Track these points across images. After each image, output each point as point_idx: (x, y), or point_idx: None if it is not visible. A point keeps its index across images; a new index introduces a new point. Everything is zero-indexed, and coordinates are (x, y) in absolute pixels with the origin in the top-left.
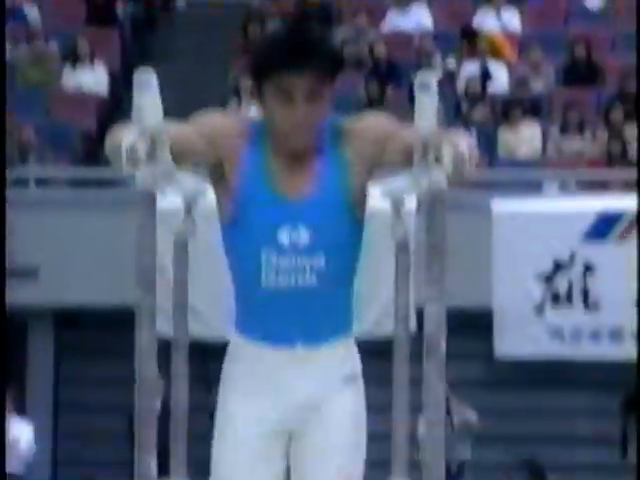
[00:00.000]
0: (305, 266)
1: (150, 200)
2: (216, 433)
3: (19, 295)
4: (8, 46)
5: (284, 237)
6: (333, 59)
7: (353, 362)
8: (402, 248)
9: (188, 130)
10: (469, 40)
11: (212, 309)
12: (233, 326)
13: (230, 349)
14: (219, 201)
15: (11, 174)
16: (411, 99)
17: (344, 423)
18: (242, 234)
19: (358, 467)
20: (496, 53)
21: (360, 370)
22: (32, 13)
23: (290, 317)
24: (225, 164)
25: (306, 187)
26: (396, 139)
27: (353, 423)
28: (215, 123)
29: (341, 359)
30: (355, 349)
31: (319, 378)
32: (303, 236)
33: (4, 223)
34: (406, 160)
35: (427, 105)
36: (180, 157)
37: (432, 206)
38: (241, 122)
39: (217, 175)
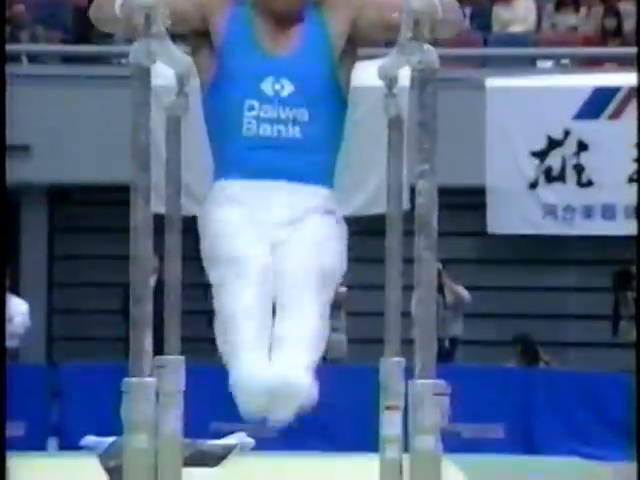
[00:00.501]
0: (288, 117)
1: (144, 75)
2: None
3: (11, 172)
4: None
5: (268, 88)
6: None
7: (333, 206)
8: (395, 125)
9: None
10: None
11: (206, 186)
12: (212, 179)
13: (210, 194)
14: (201, 66)
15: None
16: None
17: (318, 235)
18: (225, 88)
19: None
20: None
21: (342, 219)
22: None
23: (273, 163)
24: (210, 23)
25: (290, 44)
26: (373, 6)
27: (327, 241)
28: None
29: (322, 199)
30: (335, 205)
31: (300, 205)
32: (287, 87)
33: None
34: (384, 31)
35: None
36: (173, 25)
37: (423, 83)
38: None
39: (201, 39)
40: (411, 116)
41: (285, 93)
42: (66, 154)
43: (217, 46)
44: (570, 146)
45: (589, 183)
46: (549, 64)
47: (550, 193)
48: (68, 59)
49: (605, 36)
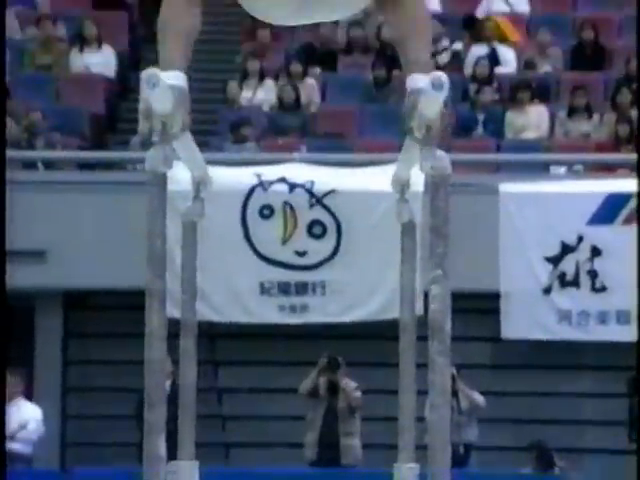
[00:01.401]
0: None
1: (160, 182)
2: None
3: (27, 277)
4: (17, 30)
5: None
6: None
7: None
8: (408, 231)
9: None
10: (471, 29)
11: (220, 292)
12: None
13: None
14: None
15: (18, 157)
16: None
17: None
18: None
19: None
20: (502, 37)
21: None
22: None
23: None
24: None
25: None
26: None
27: None
28: None
29: None
30: None
31: None
32: None
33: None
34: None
35: (436, 102)
36: None
37: (436, 189)
38: None
39: None
40: (424, 221)
41: None
42: (81, 259)
43: None
44: (584, 251)
45: (603, 289)
46: (562, 170)
47: (564, 298)
48: (84, 165)
49: (618, 143)
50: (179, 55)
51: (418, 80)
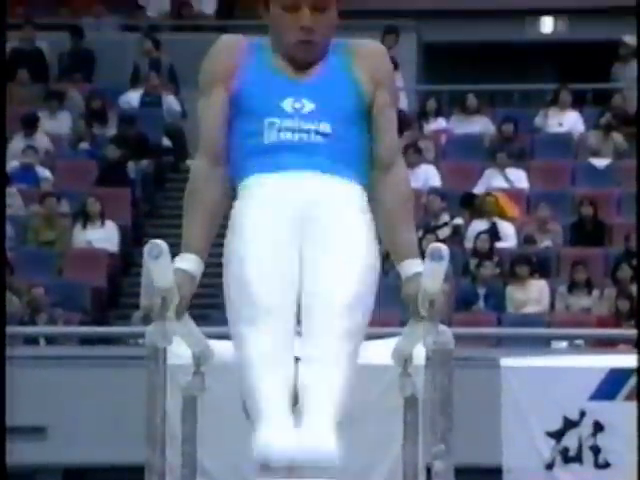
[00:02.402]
0: (310, 129)
1: (160, 357)
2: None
3: (27, 453)
4: (21, 206)
5: (287, 106)
6: None
7: (365, 205)
8: (410, 405)
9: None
10: (470, 206)
11: (220, 467)
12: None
13: (238, 193)
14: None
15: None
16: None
17: (352, 221)
18: (245, 114)
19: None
20: (502, 213)
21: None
22: (44, 174)
23: (299, 160)
24: (229, 73)
25: (311, 73)
26: (380, 115)
27: (360, 229)
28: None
29: (357, 191)
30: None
31: (334, 188)
32: (308, 106)
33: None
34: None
35: (437, 273)
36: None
37: (438, 364)
38: (243, 40)
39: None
40: (426, 395)
41: (305, 110)
42: (82, 435)
43: (237, 85)
44: (586, 427)
45: (606, 465)
46: (563, 345)
47: (567, 475)
48: (85, 340)
49: (619, 318)
50: (199, 237)
51: (413, 265)
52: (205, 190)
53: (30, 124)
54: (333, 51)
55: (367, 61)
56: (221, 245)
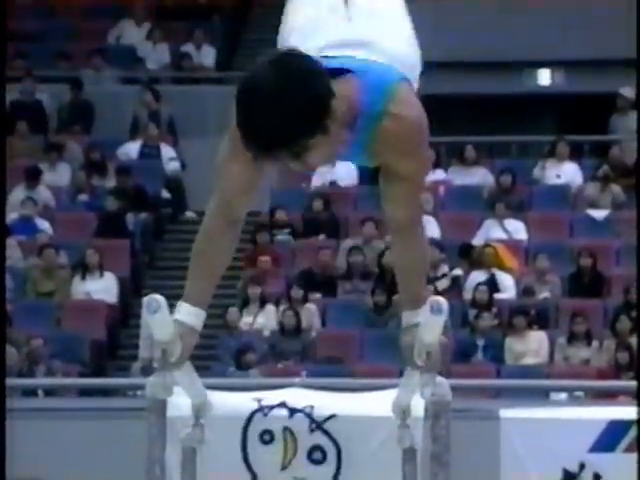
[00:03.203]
0: None
1: (160, 409)
2: None
3: None
4: (20, 258)
5: None
6: (306, 123)
7: None
8: (409, 457)
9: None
10: (468, 257)
11: None
12: None
13: None
14: None
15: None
16: None
17: None
18: None
19: None
20: (501, 264)
21: None
22: (44, 226)
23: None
24: None
25: None
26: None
27: None
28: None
29: None
30: None
31: None
32: None
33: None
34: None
35: (436, 326)
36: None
37: (436, 416)
38: None
39: None
40: (425, 447)
41: None
42: None
43: None
44: (586, 479)
45: None
46: (563, 396)
47: None
48: (84, 392)
49: (618, 369)
50: (202, 290)
51: (413, 316)
52: (215, 253)
53: (33, 176)
54: (370, 96)
55: (391, 142)
56: (222, 296)
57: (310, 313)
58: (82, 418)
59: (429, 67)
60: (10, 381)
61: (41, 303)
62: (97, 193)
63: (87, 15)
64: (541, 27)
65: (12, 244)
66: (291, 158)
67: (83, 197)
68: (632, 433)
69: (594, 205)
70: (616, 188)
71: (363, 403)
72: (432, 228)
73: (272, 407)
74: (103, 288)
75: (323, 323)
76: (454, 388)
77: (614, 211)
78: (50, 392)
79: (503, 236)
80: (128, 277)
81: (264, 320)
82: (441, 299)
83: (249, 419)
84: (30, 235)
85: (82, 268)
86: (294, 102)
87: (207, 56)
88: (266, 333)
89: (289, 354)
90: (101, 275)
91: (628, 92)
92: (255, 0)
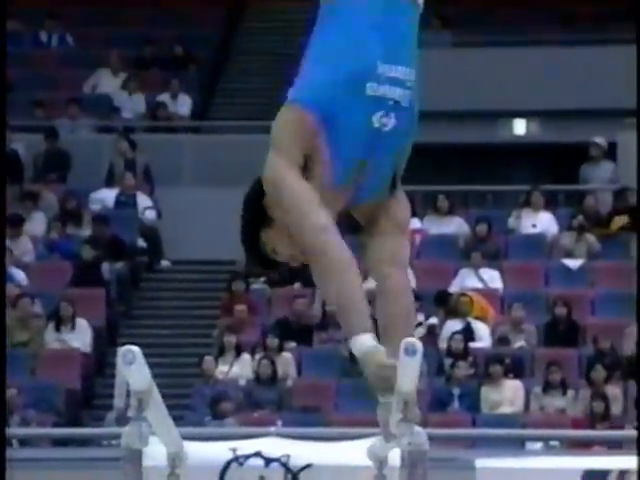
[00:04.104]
0: None
1: (136, 458)
2: None
3: None
4: None
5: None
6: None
7: None
8: None
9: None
10: (444, 305)
11: None
12: None
13: None
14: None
15: None
16: None
17: None
18: None
19: None
20: (477, 314)
21: None
22: (19, 276)
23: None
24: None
25: None
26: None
27: None
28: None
29: None
30: None
31: None
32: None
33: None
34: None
35: (411, 369)
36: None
37: (413, 465)
38: None
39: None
40: None
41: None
42: None
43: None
44: None
45: None
46: (538, 446)
47: None
48: (59, 442)
49: (593, 419)
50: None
51: None
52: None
53: (15, 225)
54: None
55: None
56: (198, 345)
57: (286, 362)
58: (57, 468)
59: None
60: None
61: (16, 353)
62: (72, 242)
63: (63, 64)
64: (517, 77)
65: None
66: (271, 255)
67: (58, 246)
68: None
69: (569, 254)
70: (591, 237)
71: (339, 452)
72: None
73: (248, 456)
74: (78, 338)
75: (299, 372)
76: (430, 437)
77: (589, 260)
78: (24, 442)
79: (479, 285)
80: (104, 326)
81: (240, 369)
82: (415, 340)
83: (225, 469)
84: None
85: (56, 319)
86: (242, 214)
87: (183, 105)
88: (242, 382)
89: (265, 403)
90: (73, 327)
91: (601, 141)
92: (231, 50)
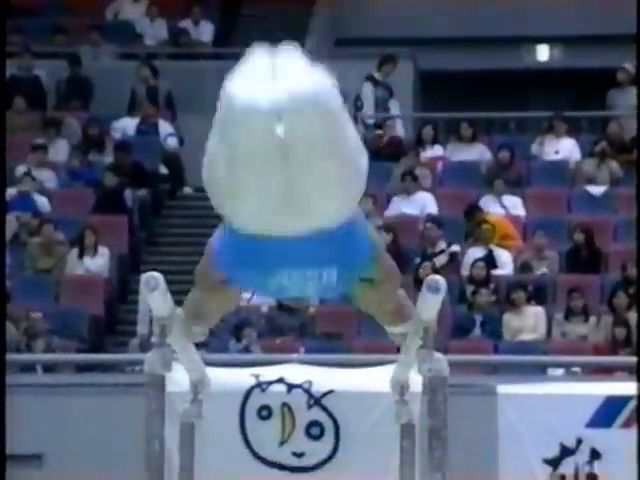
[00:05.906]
0: None
1: (159, 384)
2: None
3: None
4: (19, 233)
5: None
6: None
7: None
8: (407, 432)
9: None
10: (473, 220)
11: None
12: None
13: None
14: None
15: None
16: (416, 283)
17: None
18: None
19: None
20: (500, 239)
21: None
22: (41, 201)
23: None
24: None
25: None
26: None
27: None
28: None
29: None
30: None
31: None
32: None
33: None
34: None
35: (432, 305)
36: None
37: (434, 391)
38: None
39: None
40: (423, 422)
41: None
42: (80, 462)
43: None
44: (583, 454)
45: None
46: (560, 372)
47: None
48: (82, 367)
49: (615, 345)
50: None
51: (396, 329)
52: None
53: (38, 152)
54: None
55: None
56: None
57: None
58: (80, 394)
59: (427, 43)
60: (8, 357)
61: (39, 279)
62: (95, 169)
63: None
64: (540, 3)
65: (11, 220)
66: None
67: (81, 173)
68: (629, 408)
69: (592, 181)
70: (613, 164)
71: (361, 379)
72: (430, 204)
73: (270, 383)
74: (101, 265)
75: (321, 299)
76: (451, 364)
77: (612, 187)
78: (48, 368)
79: (501, 212)
80: (126, 253)
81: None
82: (439, 277)
83: (247, 395)
84: (28, 211)
85: (79, 246)
86: None
87: (205, 31)
88: (264, 309)
89: (287, 330)
90: (95, 253)
91: (629, 66)
92: None
